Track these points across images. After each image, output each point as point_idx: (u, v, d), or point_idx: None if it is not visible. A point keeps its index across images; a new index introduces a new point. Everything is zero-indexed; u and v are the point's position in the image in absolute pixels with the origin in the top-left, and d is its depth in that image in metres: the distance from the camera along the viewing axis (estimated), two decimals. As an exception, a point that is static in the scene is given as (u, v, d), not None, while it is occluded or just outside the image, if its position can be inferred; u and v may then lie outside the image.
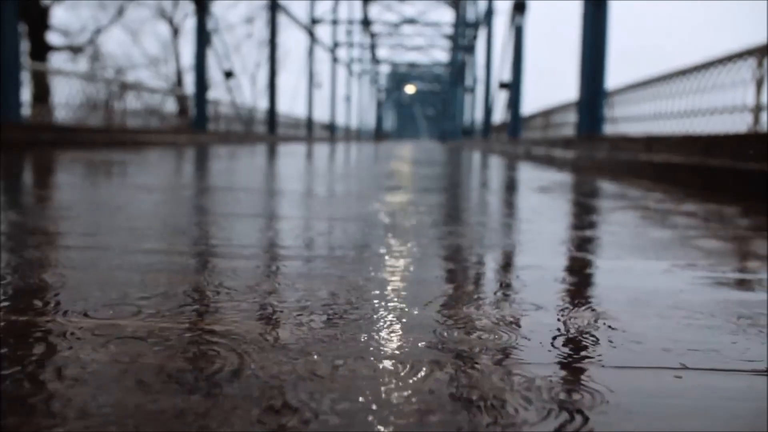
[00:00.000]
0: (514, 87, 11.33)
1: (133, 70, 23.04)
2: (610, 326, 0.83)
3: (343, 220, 1.85)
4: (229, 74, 13.70)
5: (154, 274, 1.06)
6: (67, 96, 8.26)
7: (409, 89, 55.47)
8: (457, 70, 28.74)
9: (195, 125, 12.17)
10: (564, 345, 0.75)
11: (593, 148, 5.52)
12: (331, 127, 27.09)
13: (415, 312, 0.87)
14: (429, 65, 44.05)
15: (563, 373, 0.66)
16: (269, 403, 0.55)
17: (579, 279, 1.15)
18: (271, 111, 16.85)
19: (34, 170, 4.01)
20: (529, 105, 18.09)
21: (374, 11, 32.11)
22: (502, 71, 12.33)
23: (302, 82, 22.96)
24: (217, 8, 22.75)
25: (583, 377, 0.65)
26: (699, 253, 1.44)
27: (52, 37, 17.73)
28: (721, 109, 4.10)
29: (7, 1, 6.40)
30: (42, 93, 8.34)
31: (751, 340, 0.79)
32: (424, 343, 0.73)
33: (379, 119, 50.75)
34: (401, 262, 1.22)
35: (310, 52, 23.36)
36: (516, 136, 11.03)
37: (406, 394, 0.58)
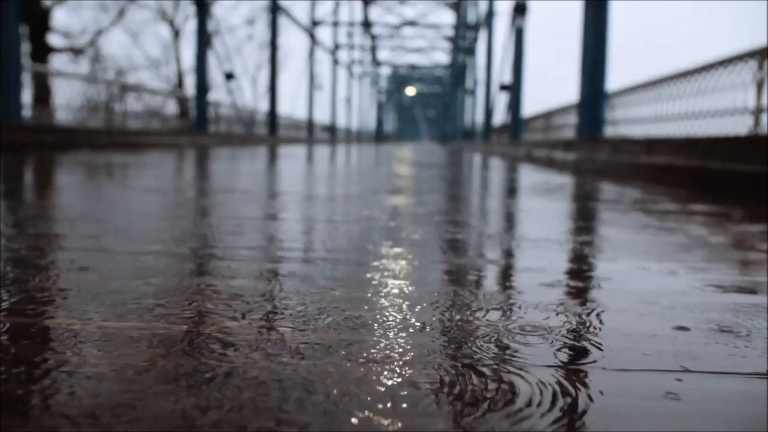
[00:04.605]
0: (514, 89, 11.33)
1: (134, 71, 23.07)
2: (615, 328, 0.83)
3: (347, 222, 1.85)
4: (229, 76, 13.71)
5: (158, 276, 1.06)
6: (68, 98, 8.27)
7: (410, 91, 55.48)
8: (457, 72, 28.75)
9: (196, 127, 12.17)
10: (566, 346, 0.75)
11: (594, 150, 5.52)
12: (331, 129, 27.11)
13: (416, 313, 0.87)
14: (430, 67, 44.05)
15: (564, 373, 0.66)
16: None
17: (579, 280, 1.15)
18: (272, 113, 16.87)
19: (36, 172, 4.02)
20: (530, 107, 18.08)
21: (375, 13, 32.14)
22: (503, 73, 12.33)
23: (303, 83, 23.00)
24: (218, 10, 22.83)
25: (583, 379, 0.65)
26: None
27: (54, 39, 17.76)
28: (722, 112, 4.10)
29: (8, 3, 6.41)
30: (43, 95, 8.35)
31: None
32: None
33: (380, 121, 50.74)
34: (403, 263, 1.23)
35: (311, 54, 23.39)
36: (517, 138, 11.03)
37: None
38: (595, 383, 0.64)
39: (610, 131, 6.19)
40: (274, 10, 17.14)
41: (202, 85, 12.31)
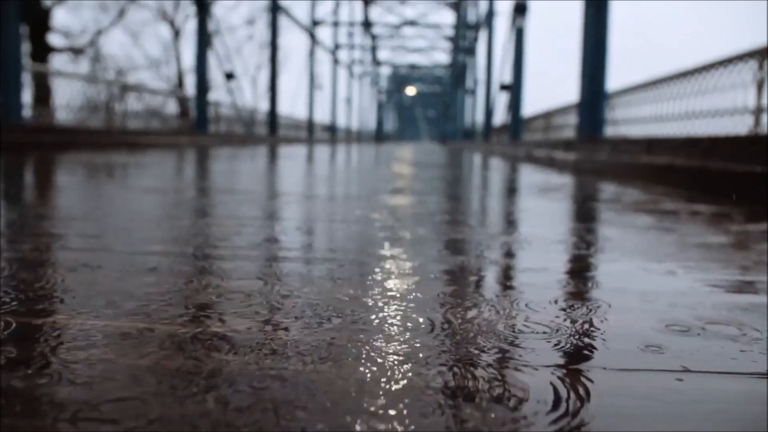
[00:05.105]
0: (514, 89, 11.33)
1: (134, 71, 23.07)
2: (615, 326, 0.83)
3: (345, 222, 1.85)
4: (230, 76, 13.71)
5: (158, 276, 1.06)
6: (68, 98, 8.27)
7: (410, 91, 55.48)
8: (458, 72, 28.75)
9: (196, 127, 12.17)
10: (567, 345, 0.75)
11: (594, 150, 5.53)
12: (331, 129, 27.10)
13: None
14: (430, 67, 44.04)
15: (563, 373, 0.66)
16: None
17: (579, 280, 1.15)
18: (272, 113, 16.87)
19: (37, 172, 4.02)
20: (530, 107, 18.11)
21: (375, 13, 32.14)
22: (503, 73, 12.34)
23: (303, 83, 23.00)
24: (218, 10, 22.85)
25: (583, 379, 0.65)
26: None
27: (54, 39, 17.77)
28: (722, 112, 4.10)
29: (8, 3, 6.41)
30: (43, 94, 8.35)
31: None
32: (425, 345, 0.74)
33: (380, 121, 50.71)
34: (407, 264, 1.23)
35: (311, 54, 23.38)
36: (517, 138, 11.03)
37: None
38: (596, 383, 0.64)
39: (610, 131, 6.20)
40: (274, 10, 17.14)
41: (202, 85, 12.31)
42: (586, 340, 0.78)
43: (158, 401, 0.56)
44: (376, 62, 42.65)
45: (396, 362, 0.68)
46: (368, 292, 0.99)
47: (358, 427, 0.52)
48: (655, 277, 1.18)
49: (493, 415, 0.55)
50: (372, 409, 0.56)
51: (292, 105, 34.20)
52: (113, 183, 3.26)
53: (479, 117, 18.73)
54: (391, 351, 0.71)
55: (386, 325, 0.81)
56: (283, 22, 18.45)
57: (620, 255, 1.42)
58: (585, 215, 2.41)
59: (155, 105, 11.15)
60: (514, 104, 11.35)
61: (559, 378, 0.65)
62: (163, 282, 1.02)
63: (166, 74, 23.82)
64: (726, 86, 4.04)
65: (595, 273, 1.24)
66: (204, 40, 12.33)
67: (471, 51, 22.58)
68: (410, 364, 0.67)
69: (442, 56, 41.05)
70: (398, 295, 0.98)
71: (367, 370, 0.65)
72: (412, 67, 45.06)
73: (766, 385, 0.65)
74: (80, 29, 19.43)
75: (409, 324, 0.82)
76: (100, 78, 13.25)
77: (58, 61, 18.09)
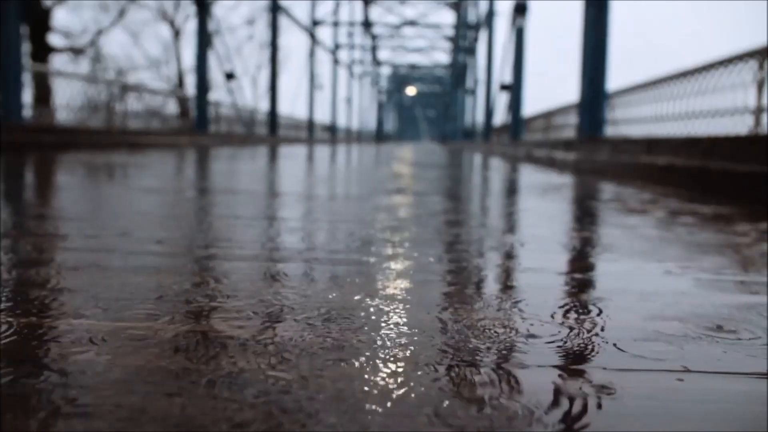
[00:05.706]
0: (515, 89, 11.33)
1: (135, 71, 23.08)
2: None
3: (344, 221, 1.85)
4: (230, 76, 13.71)
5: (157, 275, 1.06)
6: (68, 98, 8.27)
7: (410, 91, 55.49)
8: (458, 72, 28.75)
9: (196, 127, 12.17)
10: (567, 345, 0.75)
11: (594, 150, 5.53)
12: (332, 129, 27.10)
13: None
14: (430, 67, 44.04)
15: (564, 373, 0.66)
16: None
17: (579, 279, 1.15)
18: (273, 113, 16.87)
19: (37, 172, 4.02)
20: (530, 107, 18.09)
21: (375, 13, 32.15)
22: (503, 73, 12.33)
23: (303, 83, 23.00)
24: (218, 10, 22.87)
25: (583, 378, 0.65)
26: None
27: (54, 39, 17.78)
28: (722, 111, 4.10)
29: (8, 3, 6.41)
30: (43, 94, 8.35)
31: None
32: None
33: (380, 121, 50.69)
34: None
35: (311, 54, 23.38)
36: (517, 138, 11.03)
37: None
38: (596, 383, 0.64)
39: (610, 131, 6.19)
40: (275, 9, 17.14)
41: (203, 85, 12.31)
42: (586, 340, 0.78)
43: (158, 401, 0.56)
44: (376, 62, 42.64)
45: (398, 362, 0.68)
46: (369, 293, 0.99)
47: (362, 427, 0.53)
48: (655, 277, 1.19)
49: (494, 415, 0.55)
50: (376, 409, 0.56)
51: (292, 105, 34.23)
52: (113, 183, 3.26)
53: (479, 117, 18.73)
54: (393, 351, 0.72)
55: (388, 325, 0.81)
56: (283, 22, 18.46)
57: (620, 255, 1.42)
58: (585, 215, 2.42)
59: (155, 105, 11.16)
60: (514, 104, 11.35)
61: (559, 378, 0.65)
62: (163, 282, 1.02)
63: (166, 74, 23.85)
64: (726, 86, 4.04)
65: (595, 273, 1.24)
66: (204, 40, 12.33)
67: (471, 51, 22.58)
68: (412, 364, 0.67)
69: (442, 56, 41.07)
70: (400, 295, 0.98)
71: (369, 370, 0.65)
72: (412, 67, 45.06)
73: (766, 385, 0.65)
74: (80, 29, 19.46)
75: (410, 324, 0.82)
76: (100, 78, 13.25)
77: (58, 61, 18.11)
